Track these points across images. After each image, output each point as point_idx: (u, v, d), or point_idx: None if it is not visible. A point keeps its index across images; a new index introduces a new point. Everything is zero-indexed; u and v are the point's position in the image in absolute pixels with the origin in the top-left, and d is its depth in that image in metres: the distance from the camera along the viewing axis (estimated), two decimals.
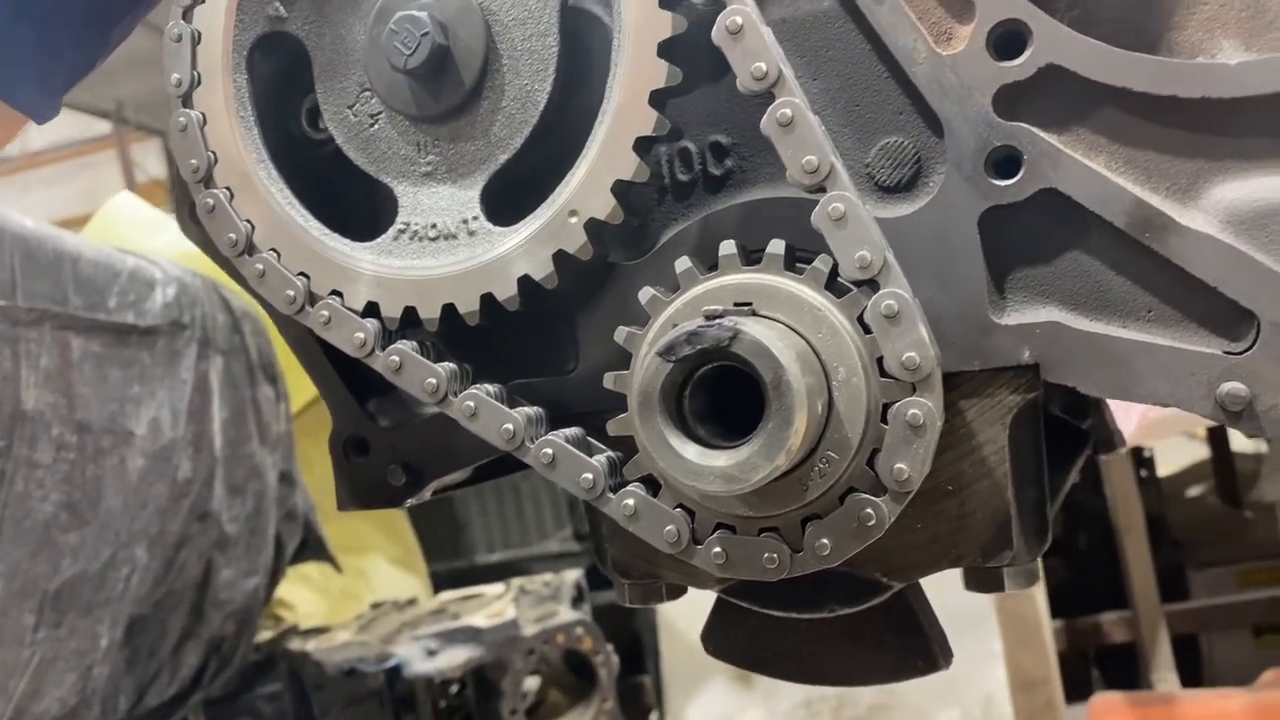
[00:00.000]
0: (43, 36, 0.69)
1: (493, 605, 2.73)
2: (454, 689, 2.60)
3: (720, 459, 0.54)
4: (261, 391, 2.73)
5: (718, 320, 0.53)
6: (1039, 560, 0.66)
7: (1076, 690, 2.82)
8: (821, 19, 0.63)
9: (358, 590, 3.26)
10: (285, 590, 3.07)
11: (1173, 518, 3.83)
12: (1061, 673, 2.62)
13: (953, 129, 0.60)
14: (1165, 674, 3.11)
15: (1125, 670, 3.39)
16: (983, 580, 0.64)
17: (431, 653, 2.55)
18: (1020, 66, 0.59)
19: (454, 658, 2.48)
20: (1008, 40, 0.59)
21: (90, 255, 2.20)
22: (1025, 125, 0.59)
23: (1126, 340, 0.59)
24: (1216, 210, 0.57)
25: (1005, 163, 0.60)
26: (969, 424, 0.62)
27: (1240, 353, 0.56)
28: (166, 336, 2.37)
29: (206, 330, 2.45)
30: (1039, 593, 2.42)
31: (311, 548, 3.06)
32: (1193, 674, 3.34)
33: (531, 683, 2.68)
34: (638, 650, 3.16)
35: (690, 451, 0.54)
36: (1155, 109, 0.58)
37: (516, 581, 2.92)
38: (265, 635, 2.73)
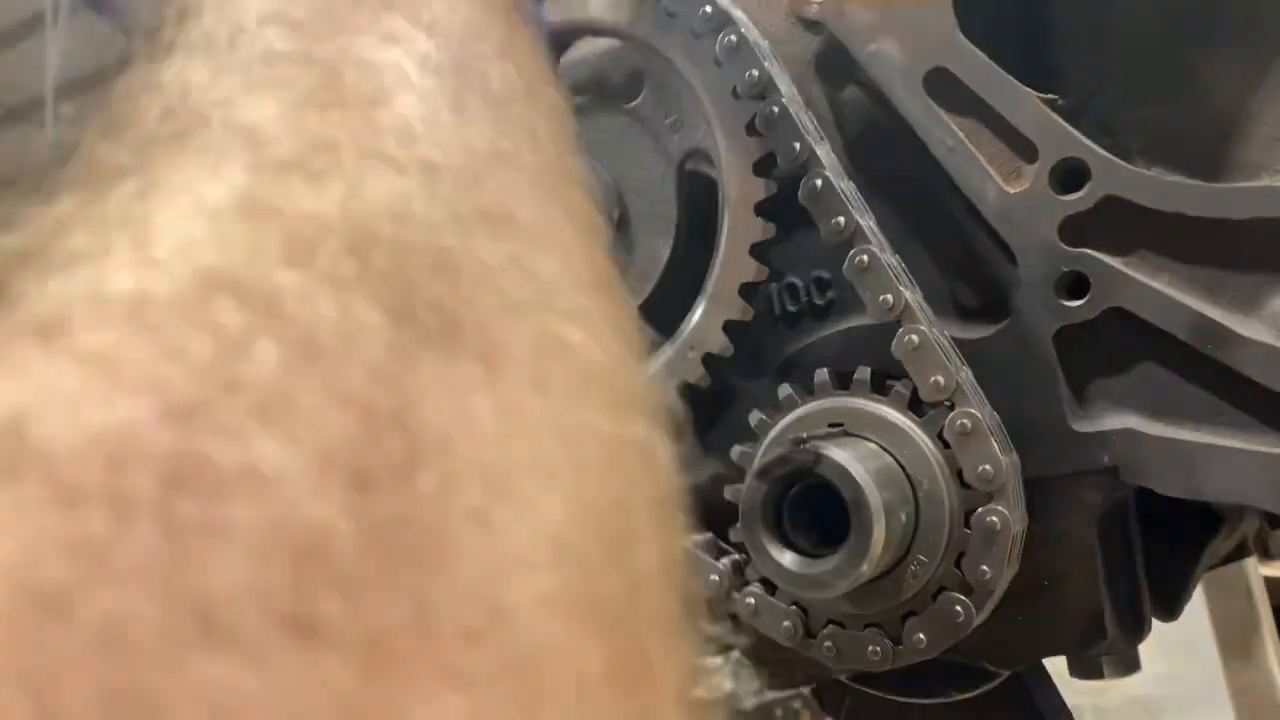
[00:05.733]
0: None
1: (711, 678, 2.80)
2: None
3: (813, 567, 0.62)
4: None
5: (803, 445, 0.62)
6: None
7: None
8: (905, 166, 0.71)
9: None
10: None
11: None
12: None
13: (1024, 257, 0.67)
14: None
15: None
16: (1084, 667, 0.69)
17: None
18: (1081, 199, 0.65)
19: None
20: (1069, 176, 0.66)
21: None
22: (1090, 251, 0.65)
23: (1199, 443, 0.63)
24: (1275, 320, 0.61)
25: (1074, 285, 0.66)
26: (1060, 524, 0.67)
27: None
28: None
29: None
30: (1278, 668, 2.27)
31: None
32: None
33: None
34: None
35: (787, 559, 0.63)
36: (1210, 230, 0.63)
37: (735, 654, 2.99)
38: None
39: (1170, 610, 0.80)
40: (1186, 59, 0.68)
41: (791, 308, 0.76)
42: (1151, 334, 0.64)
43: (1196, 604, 2.17)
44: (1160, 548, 0.77)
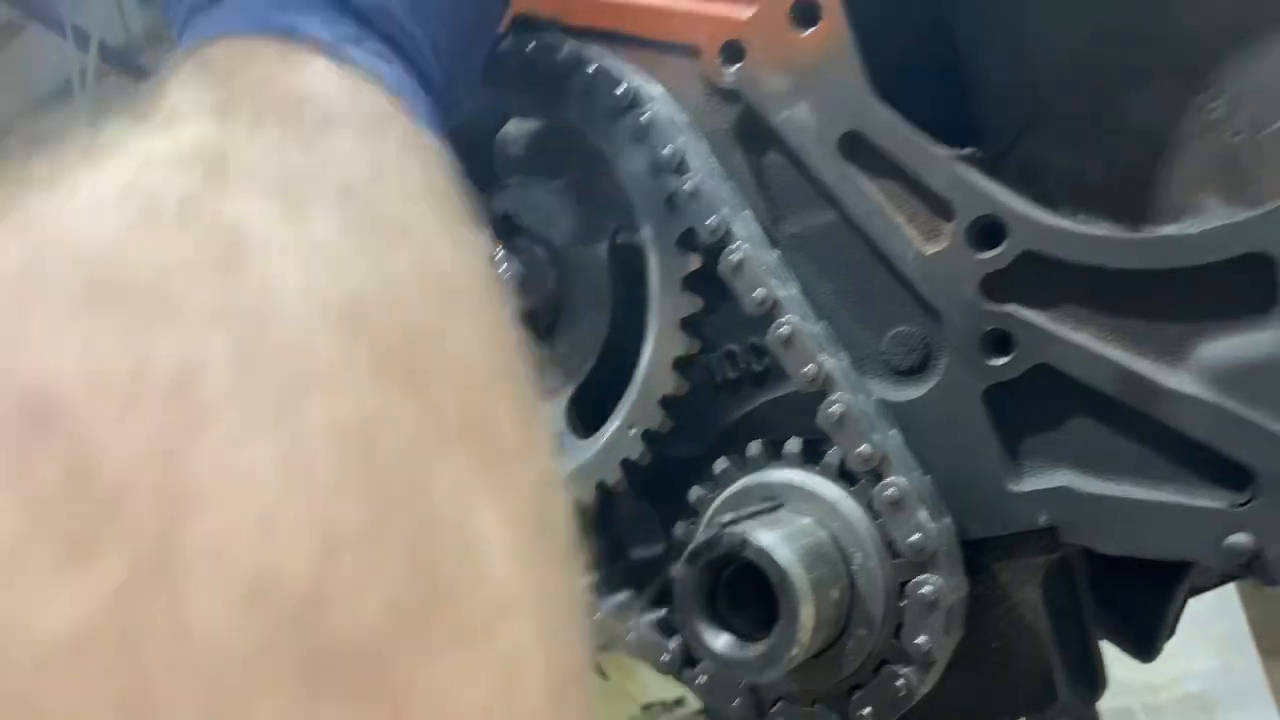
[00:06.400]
0: None
1: None
2: None
3: (744, 651, 0.62)
4: None
5: (727, 528, 0.62)
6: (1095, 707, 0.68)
7: None
8: (827, 230, 0.71)
9: (629, 689, 3.41)
10: None
11: None
12: None
13: (948, 316, 0.66)
14: None
15: None
16: None
17: None
18: (1000, 255, 0.64)
19: None
20: (986, 232, 0.65)
21: None
22: (1012, 308, 0.64)
23: (1135, 500, 0.62)
24: (1202, 371, 0.60)
25: (999, 343, 0.65)
26: (1003, 586, 0.66)
27: (1243, 504, 0.59)
28: None
29: None
30: None
31: None
32: None
33: None
34: None
35: (720, 644, 0.62)
36: (1131, 281, 0.62)
37: None
38: None
39: (1146, 650, 0.79)
40: (1105, 102, 0.67)
41: (732, 375, 0.76)
42: (1079, 390, 0.63)
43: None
44: (1129, 585, 0.75)
